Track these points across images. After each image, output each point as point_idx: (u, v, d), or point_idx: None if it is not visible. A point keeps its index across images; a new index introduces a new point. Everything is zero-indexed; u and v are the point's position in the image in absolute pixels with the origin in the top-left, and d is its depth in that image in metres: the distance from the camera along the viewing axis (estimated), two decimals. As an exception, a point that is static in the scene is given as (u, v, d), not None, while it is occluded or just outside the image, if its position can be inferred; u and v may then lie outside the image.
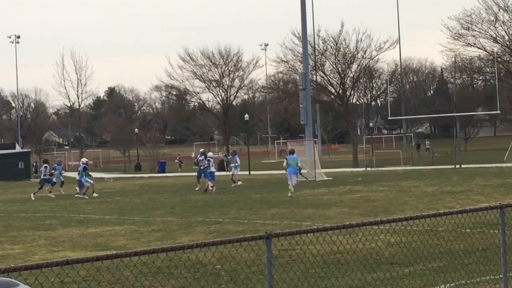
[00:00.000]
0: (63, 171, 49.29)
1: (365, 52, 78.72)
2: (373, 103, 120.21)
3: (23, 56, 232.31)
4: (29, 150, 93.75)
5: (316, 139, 65.84)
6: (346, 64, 78.51)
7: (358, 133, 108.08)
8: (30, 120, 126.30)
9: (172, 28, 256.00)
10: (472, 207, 11.39)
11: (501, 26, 73.63)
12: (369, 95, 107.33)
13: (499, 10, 72.98)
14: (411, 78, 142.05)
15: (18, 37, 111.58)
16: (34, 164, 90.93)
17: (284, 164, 39.26)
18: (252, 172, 63.07)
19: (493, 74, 68.40)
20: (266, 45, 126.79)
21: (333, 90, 79.95)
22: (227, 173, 52.24)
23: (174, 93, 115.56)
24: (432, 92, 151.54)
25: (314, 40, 77.22)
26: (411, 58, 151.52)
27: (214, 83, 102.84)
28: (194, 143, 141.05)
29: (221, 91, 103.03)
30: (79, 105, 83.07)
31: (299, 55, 73.46)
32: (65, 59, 79.91)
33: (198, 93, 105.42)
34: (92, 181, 42.94)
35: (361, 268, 12.95)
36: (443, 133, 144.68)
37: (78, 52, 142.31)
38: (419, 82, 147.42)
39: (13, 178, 73.22)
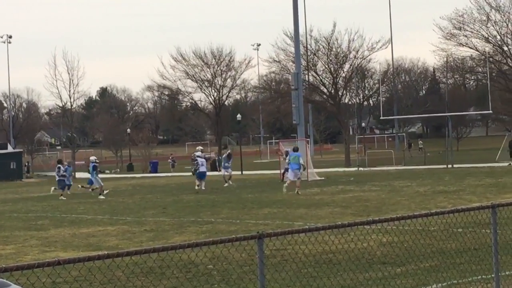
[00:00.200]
0: (72, 173, 49.05)
1: (357, 52, 78.93)
2: (365, 103, 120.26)
3: (15, 56, 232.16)
4: (21, 150, 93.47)
5: (309, 139, 65.90)
6: (339, 64, 78.62)
7: (350, 133, 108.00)
8: (22, 120, 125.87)
9: (164, 28, 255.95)
10: (464, 207, 11.41)
11: (493, 26, 73.73)
12: (361, 95, 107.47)
13: (491, 10, 73.09)
14: (403, 78, 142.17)
15: (10, 37, 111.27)
16: (26, 164, 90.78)
17: (287, 160, 39.90)
18: (244, 172, 63.08)
19: (485, 74, 68.48)
20: (259, 45, 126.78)
21: (325, 90, 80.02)
22: (219, 173, 52.25)
23: (166, 93, 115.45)
24: (424, 92, 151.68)
25: (306, 40, 77.37)
26: (403, 58, 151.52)
27: (206, 83, 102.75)
28: (186, 143, 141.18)
29: (213, 91, 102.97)
30: (71, 105, 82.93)
31: (291, 55, 73.51)
32: (57, 59, 79.52)
33: (190, 93, 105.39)
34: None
35: (353, 267, 12.95)
36: (435, 133, 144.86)
37: (70, 52, 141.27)
38: (411, 82, 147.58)
39: (5, 178, 73.12)
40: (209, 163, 61.21)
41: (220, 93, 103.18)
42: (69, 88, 78.79)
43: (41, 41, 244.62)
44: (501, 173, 45.16)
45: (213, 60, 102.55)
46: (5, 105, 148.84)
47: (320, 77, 79.47)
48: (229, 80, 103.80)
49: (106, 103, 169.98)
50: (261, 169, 69.76)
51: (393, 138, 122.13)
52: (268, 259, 12.37)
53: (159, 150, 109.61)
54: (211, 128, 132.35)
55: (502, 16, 73.47)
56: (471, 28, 74.28)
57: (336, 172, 59.39)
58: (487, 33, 74.08)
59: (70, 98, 79.87)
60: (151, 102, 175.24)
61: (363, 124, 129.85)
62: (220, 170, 58.47)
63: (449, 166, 56.98)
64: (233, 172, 49.63)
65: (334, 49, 77.93)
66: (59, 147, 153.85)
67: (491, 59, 71.72)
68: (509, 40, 74.38)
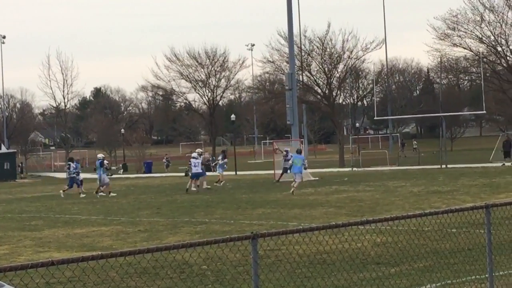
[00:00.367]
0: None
1: (351, 52, 78.99)
2: (359, 103, 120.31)
3: (8, 56, 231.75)
4: (15, 150, 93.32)
5: (303, 139, 65.80)
6: (333, 64, 78.68)
7: (345, 133, 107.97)
8: (16, 121, 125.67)
9: (159, 28, 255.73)
10: (458, 207, 11.41)
11: (487, 26, 73.74)
12: (355, 95, 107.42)
13: (484, 10, 73.12)
14: (397, 78, 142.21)
15: (4, 37, 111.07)
16: (20, 164, 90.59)
17: (290, 162, 41.32)
18: (238, 172, 63.05)
19: (479, 74, 68.47)
20: (253, 45, 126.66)
21: (319, 90, 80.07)
22: (214, 173, 52.22)
23: (161, 93, 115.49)
24: (418, 92, 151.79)
25: (300, 40, 77.35)
26: (397, 58, 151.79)
27: (200, 83, 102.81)
28: (180, 144, 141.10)
29: (207, 91, 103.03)
30: (65, 106, 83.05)
31: (285, 55, 73.55)
32: (51, 59, 79.78)
33: (185, 93, 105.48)
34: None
35: (347, 268, 12.95)
36: (429, 133, 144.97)
37: (64, 53, 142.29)
38: (405, 82, 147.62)
39: (-1, 178, 73.00)
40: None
41: (214, 93, 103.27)
42: (63, 88, 79.02)
43: (35, 41, 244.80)
44: (495, 173, 45.21)
45: (207, 60, 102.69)
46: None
47: (314, 77, 79.54)
48: (223, 80, 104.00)
49: (100, 103, 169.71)
50: (255, 170, 69.73)
51: (387, 139, 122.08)
52: (262, 260, 12.36)
53: (153, 151, 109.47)
54: (205, 128, 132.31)
55: (496, 17, 73.55)
56: (465, 28, 74.36)
57: (330, 172, 59.40)
58: (481, 34, 74.16)
59: (64, 98, 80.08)
60: (145, 103, 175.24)
61: (357, 125, 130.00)
62: (214, 170, 58.47)
63: (443, 166, 57.02)
64: (227, 173, 49.59)
65: (328, 49, 78.02)
66: (53, 148, 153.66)
67: (485, 59, 71.80)
68: (503, 40, 74.46)
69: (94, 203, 36.38)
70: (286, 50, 70.53)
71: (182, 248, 6.81)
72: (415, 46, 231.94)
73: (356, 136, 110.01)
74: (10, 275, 6.18)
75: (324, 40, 77.79)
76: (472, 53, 75.53)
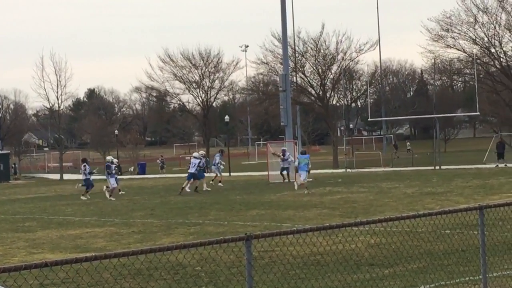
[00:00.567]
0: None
1: (345, 54, 79.03)
2: (353, 104, 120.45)
3: (1, 57, 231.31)
4: (8, 151, 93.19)
5: (297, 141, 65.75)
6: (326, 65, 78.68)
7: (338, 134, 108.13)
8: (9, 122, 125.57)
9: (152, 29, 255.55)
10: (452, 208, 11.42)
11: (480, 27, 73.74)
12: (349, 97, 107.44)
13: (478, 11, 73.11)
14: (391, 79, 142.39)
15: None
16: (13, 165, 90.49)
17: (296, 163, 42.03)
18: (232, 174, 63.04)
19: (473, 76, 68.46)
20: (247, 46, 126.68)
21: (313, 92, 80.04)
22: (210, 174, 52.12)
23: (154, 94, 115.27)
24: (412, 93, 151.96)
25: (294, 42, 77.35)
26: (391, 59, 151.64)
27: (194, 85, 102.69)
28: (174, 145, 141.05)
29: (201, 92, 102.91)
30: (59, 107, 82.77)
31: (279, 56, 73.54)
32: (45, 60, 79.27)
33: (178, 94, 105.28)
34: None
35: (341, 269, 12.96)
36: (423, 135, 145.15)
37: (58, 53, 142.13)
38: (399, 84, 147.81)
39: (-8, 180, 72.90)
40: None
41: (208, 95, 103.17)
42: (57, 89, 78.54)
43: (29, 42, 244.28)
44: (488, 175, 45.25)
45: (201, 61, 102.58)
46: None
47: (308, 78, 79.51)
48: (217, 81, 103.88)
49: (94, 104, 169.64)
50: (249, 171, 69.74)
51: (381, 140, 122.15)
52: (256, 261, 12.35)
53: (147, 152, 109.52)
54: (199, 129, 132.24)
55: (490, 18, 73.56)
56: (459, 30, 74.36)
57: (324, 173, 59.44)
58: (474, 35, 74.16)
59: (57, 99, 79.63)
60: (139, 104, 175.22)
61: (351, 126, 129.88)
62: (210, 172, 58.39)
63: (437, 167, 57.08)
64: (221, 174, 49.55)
65: (322, 51, 78.02)
66: (46, 149, 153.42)
67: (478, 60, 71.82)
68: (496, 42, 74.48)
69: (88, 205, 36.34)
70: (280, 51, 70.53)
71: (176, 250, 6.80)
72: (409, 47, 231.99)
73: (350, 138, 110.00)
74: (3, 277, 6.18)
75: (318, 42, 77.85)
76: (466, 55, 75.54)
